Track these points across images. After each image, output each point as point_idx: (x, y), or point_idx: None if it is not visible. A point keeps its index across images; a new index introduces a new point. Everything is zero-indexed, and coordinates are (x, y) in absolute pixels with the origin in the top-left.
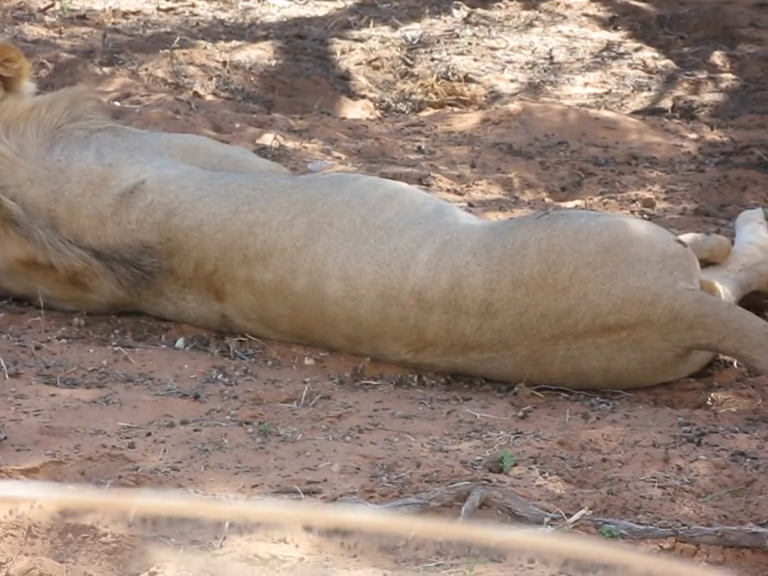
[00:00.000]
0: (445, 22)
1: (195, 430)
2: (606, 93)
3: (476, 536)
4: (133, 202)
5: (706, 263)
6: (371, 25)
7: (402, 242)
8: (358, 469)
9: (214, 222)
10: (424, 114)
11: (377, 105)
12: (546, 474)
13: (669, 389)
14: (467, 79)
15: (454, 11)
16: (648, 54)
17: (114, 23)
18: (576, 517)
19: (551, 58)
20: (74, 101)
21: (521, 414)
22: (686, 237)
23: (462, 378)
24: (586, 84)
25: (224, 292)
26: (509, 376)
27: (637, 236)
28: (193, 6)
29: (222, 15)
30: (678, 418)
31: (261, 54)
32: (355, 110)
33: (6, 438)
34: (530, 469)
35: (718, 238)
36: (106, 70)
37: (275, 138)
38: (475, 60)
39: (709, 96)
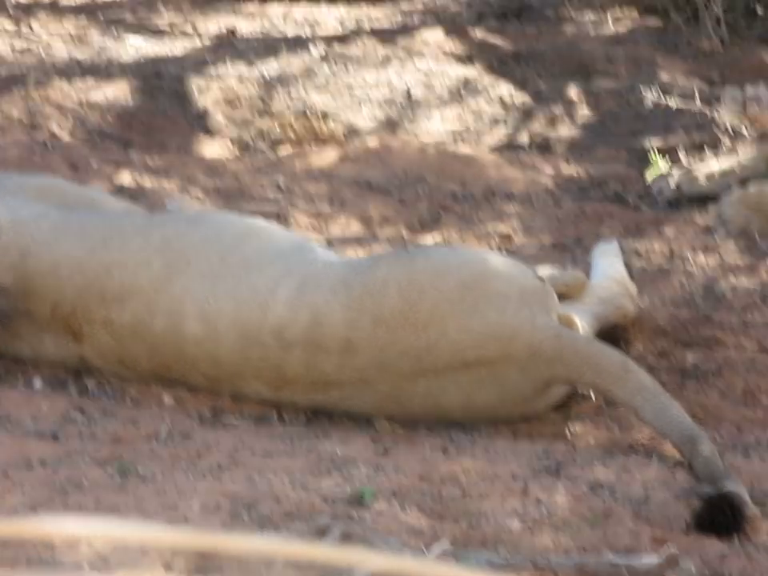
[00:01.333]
0: (302, 59)
1: (54, 471)
2: (464, 129)
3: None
4: None
5: (562, 297)
6: (228, 63)
7: (261, 280)
8: (218, 506)
9: (70, 264)
10: (282, 151)
11: (235, 143)
12: (407, 509)
13: (528, 421)
14: (325, 116)
15: (311, 48)
16: (504, 89)
17: None
18: (436, 550)
19: (409, 94)
20: None
21: (381, 449)
22: (543, 271)
23: (322, 414)
24: (443, 120)
25: (82, 334)
26: (369, 412)
27: (496, 271)
28: (48, 45)
29: (78, 55)
30: (537, 450)
31: (117, 93)
32: (213, 149)
33: None
34: (390, 503)
35: (573, 273)
36: None
37: (133, 178)
38: (333, 97)
39: (565, 131)
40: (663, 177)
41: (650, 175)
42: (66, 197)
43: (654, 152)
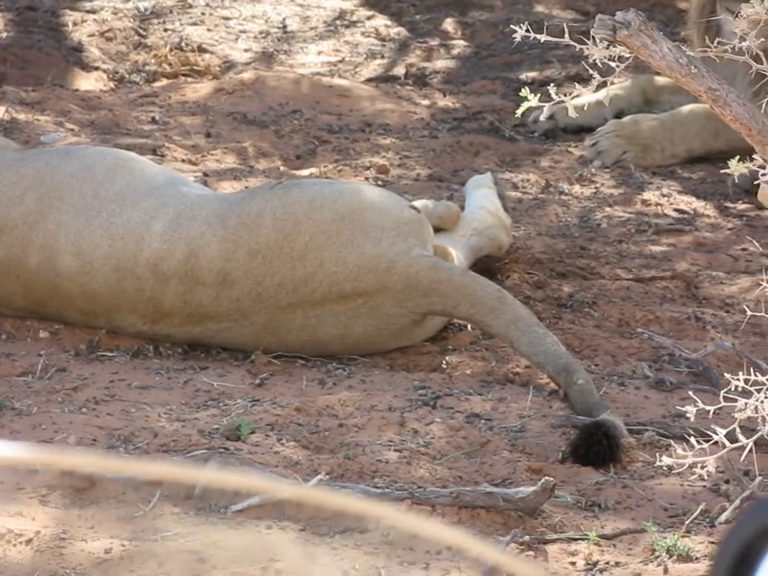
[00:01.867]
0: None
1: None
2: (340, 61)
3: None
4: None
5: (436, 229)
6: None
7: (135, 213)
8: (95, 440)
9: None
10: (157, 84)
11: (110, 76)
12: (284, 441)
13: (404, 353)
14: (201, 49)
15: None
16: (381, 21)
17: None
18: (313, 482)
19: (284, 27)
20: None
21: (258, 381)
22: (417, 203)
23: (199, 347)
24: (319, 53)
25: None
26: (247, 345)
27: (371, 203)
28: None
29: None
30: (414, 382)
31: None
32: (89, 82)
33: None
34: (267, 436)
35: (446, 204)
36: None
37: (6, 111)
38: (209, 30)
39: (441, 63)
40: (536, 109)
41: (521, 108)
42: None
43: (527, 84)
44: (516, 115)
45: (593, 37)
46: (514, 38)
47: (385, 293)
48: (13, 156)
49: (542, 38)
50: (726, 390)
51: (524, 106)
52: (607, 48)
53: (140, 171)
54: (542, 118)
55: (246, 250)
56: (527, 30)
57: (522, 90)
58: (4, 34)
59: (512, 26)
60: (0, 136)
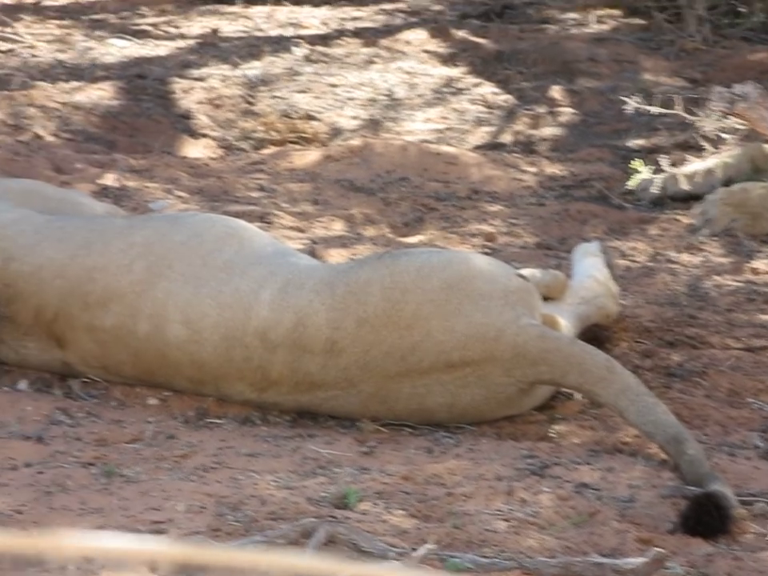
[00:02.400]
0: (285, 60)
1: (39, 473)
2: (447, 128)
3: (325, 570)
4: None
5: (544, 298)
6: (211, 64)
7: (244, 282)
8: (203, 508)
9: (52, 268)
10: (265, 151)
11: (218, 143)
12: (392, 509)
13: (512, 422)
14: (308, 116)
15: (294, 49)
16: (488, 89)
17: None
18: (421, 551)
19: (391, 94)
20: None
21: (365, 449)
22: (524, 272)
23: (307, 415)
24: (426, 120)
25: (65, 340)
26: (354, 413)
27: (479, 271)
28: (32, 47)
29: (62, 56)
30: (522, 451)
31: (101, 94)
32: (197, 149)
33: None
34: (375, 504)
35: (554, 272)
36: None
37: (117, 179)
38: (316, 97)
39: (548, 130)
40: (647, 180)
41: (632, 181)
42: (49, 200)
43: (637, 156)
44: (627, 187)
45: (704, 107)
46: (624, 109)
47: (493, 362)
48: (121, 223)
49: (654, 109)
50: None
51: (636, 178)
52: (720, 120)
53: (248, 240)
54: (653, 190)
55: (353, 318)
56: (638, 102)
57: (633, 161)
58: (114, 102)
59: (622, 98)
60: (109, 203)
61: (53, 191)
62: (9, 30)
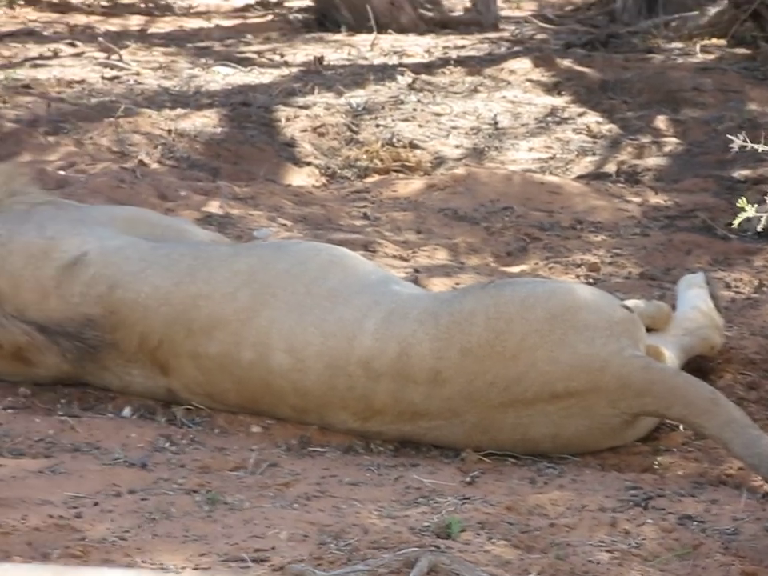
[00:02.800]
0: (389, 88)
1: (142, 499)
2: (551, 158)
3: None
4: (75, 274)
5: (648, 329)
6: (316, 92)
7: (348, 311)
8: (306, 536)
9: (157, 295)
10: (369, 180)
11: (322, 171)
12: (494, 540)
13: (616, 453)
14: (412, 145)
15: (399, 77)
16: (592, 118)
17: (58, 92)
18: None
19: (496, 123)
20: (10, 176)
21: (468, 479)
22: (629, 302)
23: (410, 444)
24: (530, 149)
25: (169, 367)
26: (457, 443)
27: (584, 302)
28: (137, 74)
29: (167, 83)
30: (625, 482)
31: (206, 121)
32: (300, 177)
33: None
34: (477, 534)
35: (658, 303)
36: (50, 139)
37: (221, 206)
38: (420, 126)
39: (653, 160)
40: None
41: (738, 219)
42: (154, 227)
43: (742, 187)
44: (733, 225)
45: None
46: (731, 147)
47: (597, 393)
48: (226, 251)
49: (760, 147)
50: None
51: (741, 216)
52: None
53: (352, 268)
54: (759, 227)
55: (457, 348)
56: (744, 140)
57: (739, 199)
58: (218, 129)
59: (729, 136)
60: (213, 231)
61: (158, 218)
62: (115, 57)
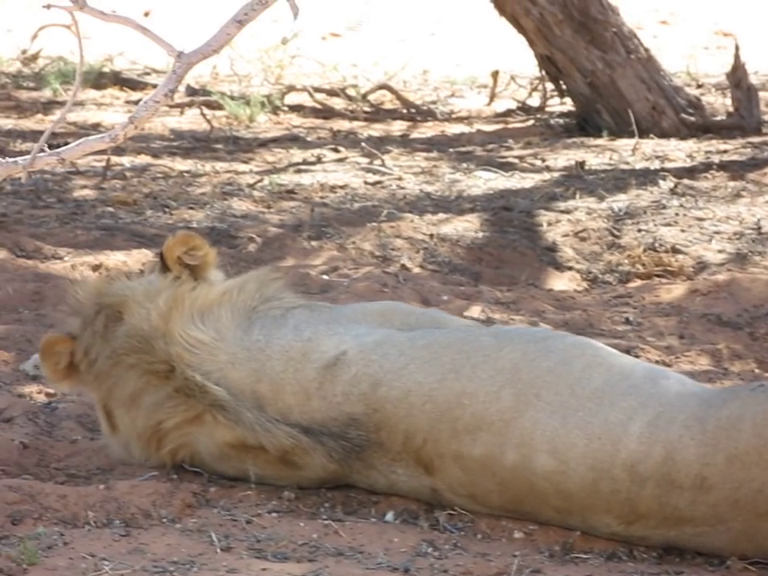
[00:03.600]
0: (651, 193)
1: None
2: None
3: None
4: (336, 374)
5: None
6: (577, 196)
7: (613, 413)
8: None
9: (421, 392)
10: (631, 285)
11: (583, 276)
12: None
13: None
14: (674, 250)
15: (661, 182)
16: None
17: (321, 197)
18: None
19: (759, 228)
20: (263, 282)
21: None
22: None
23: (674, 551)
24: None
25: (433, 467)
26: (722, 550)
27: None
28: (399, 179)
29: (429, 188)
30: None
31: (467, 226)
32: (562, 282)
33: None
34: None
35: None
36: (314, 243)
37: (482, 311)
38: (682, 231)
39: None
40: None
41: None
42: (408, 316)
43: None
44: None
45: None
46: None
47: None
48: (488, 342)
49: None
50: None
51: None
52: None
53: (617, 368)
54: None
55: (724, 455)
56: None
57: None
58: (480, 234)
59: None
60: (468, 320)
61: (410, 308)
62: (377, 162)
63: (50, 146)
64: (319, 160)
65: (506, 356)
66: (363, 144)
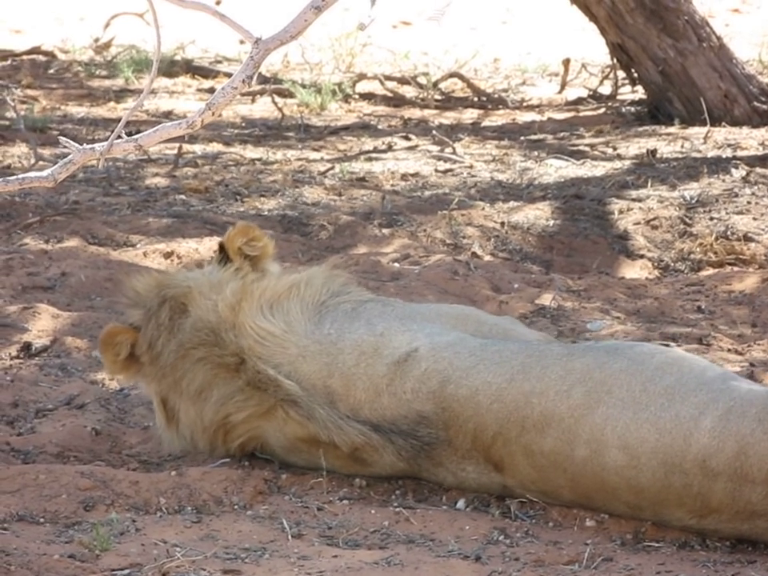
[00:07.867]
0: (723, 181)
1: None
2: None
3: None
4: (407, 371)
5: None
6: (649, 184)
7: (684, 408)
8: None
9: (489, 391)
10: (703, 273)
11: (655, 264)
12: None
13: None
14: (746, 238)
15: (733, 170)
16: None
17: (392, 185)
18: None
19: None
20: (328, 278)
21: None
22: None
23: (747, 540)
24: None
25: (503, 464)
26: None
27: None
28: (470, 167)
29: (500, 176)
30: None
31: (538, 214)
32: (633, 270)
33: None
34: None
35: None
36: (385, 231)
37: (554, 299)
38: (754, 219)
39: None
40: None
41: None
42: (482, 324)
43: None
44: None
45: None
46: None
47: None
48: (559, 350)
49: None
50: None
51: None
52: None
53: (688, 367)
54: None
55: None
56: None
57: None
58: (551, 222)
59: None
60: (540, 332)
61: (485, 317)
62: (448, 150)
63: (125, 134)
64: (390, 148)
65: (576, 360)
66: (434, 132)
